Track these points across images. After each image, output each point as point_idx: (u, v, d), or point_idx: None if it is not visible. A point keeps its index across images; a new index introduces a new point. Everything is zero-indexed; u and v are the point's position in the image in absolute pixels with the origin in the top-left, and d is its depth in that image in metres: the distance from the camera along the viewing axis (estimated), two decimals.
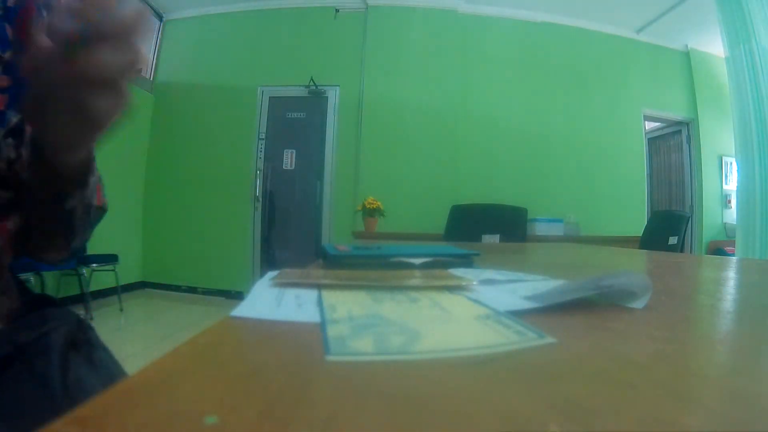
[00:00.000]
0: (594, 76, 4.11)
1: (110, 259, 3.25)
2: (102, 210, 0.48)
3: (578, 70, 4.09)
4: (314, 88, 3.90)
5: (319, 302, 0.25)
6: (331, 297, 0.26)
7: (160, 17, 4.24)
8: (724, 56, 3.30)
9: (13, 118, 0.43)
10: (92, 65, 0.27)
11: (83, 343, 0.41)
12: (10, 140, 0.42)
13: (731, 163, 4.15)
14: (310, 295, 0.27)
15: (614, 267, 0.65)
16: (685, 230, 2.86)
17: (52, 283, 3.06)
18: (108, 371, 0.41)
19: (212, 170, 4.01)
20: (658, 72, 4.27)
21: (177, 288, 4.00)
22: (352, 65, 3.91)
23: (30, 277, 2.56)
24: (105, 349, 0.43)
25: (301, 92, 3.96)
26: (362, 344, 0.17)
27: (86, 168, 0.39)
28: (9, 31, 0.42)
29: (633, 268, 0.61)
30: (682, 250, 2.94)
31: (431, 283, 0.31)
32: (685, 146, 4.47)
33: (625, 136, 4.13)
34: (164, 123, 4.17)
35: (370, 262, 0.47)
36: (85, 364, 0.39)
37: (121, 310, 3.22)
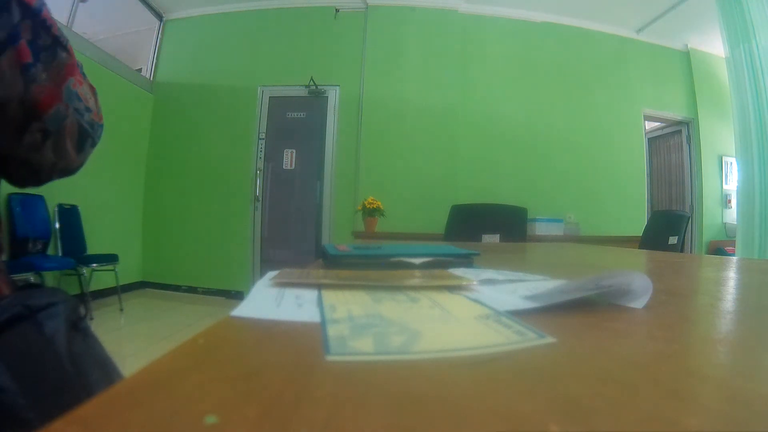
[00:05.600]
0: (594, 76, 4.12)
1: (110, 258, 3.25)
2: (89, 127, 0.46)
3: (578, 70, 4.09)
4: (314, 88, 3.90)
5: (319, 302, 0.25)
6: (331, 297, 0.26)
7: (160, 17, 4.24)
8: (724, 56, 3.30)
9: None
10: None
11: (81, 328, 0.42)
12: None
13: (731, 163, 4.16)
14: (310, 295, 0.27)
15: (614, 267, 0.65)
16: (685, 230, 2.85)
17: (52, 282, 3.06)
18: (100, 358, 0.42)
19: (212, 170, 4.01)
20: (658, 72, 4.27)
21: (177, 288, 4.00)
22: (352, 65, 3.91)
23: (30, 277, 2.56)
24: (97, 340, 0.44)
25: (301, 92, 3.96)
26: (362, 344, 0.17)
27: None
28: None
29: (633, 268, 0.61)
30: (682, 250, 2.94)
31: (431, 283, 0.31)
32: (685, 146, 4.47)
33: (625, 136, 4.13)
34: (164, 123, 4.17)
35: (370, 262, 0.47)
36: (83, 345, 0.40)
37: (121, 310, 3.22)
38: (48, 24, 0.37)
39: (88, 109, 0.45)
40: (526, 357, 0.16)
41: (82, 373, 0.37)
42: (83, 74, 0.46)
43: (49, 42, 0.38)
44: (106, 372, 0.40)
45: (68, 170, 0.47)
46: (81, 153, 0.46)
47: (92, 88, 0.48)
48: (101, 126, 0.48)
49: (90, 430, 0.10)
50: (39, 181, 0.47)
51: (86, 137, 0.45)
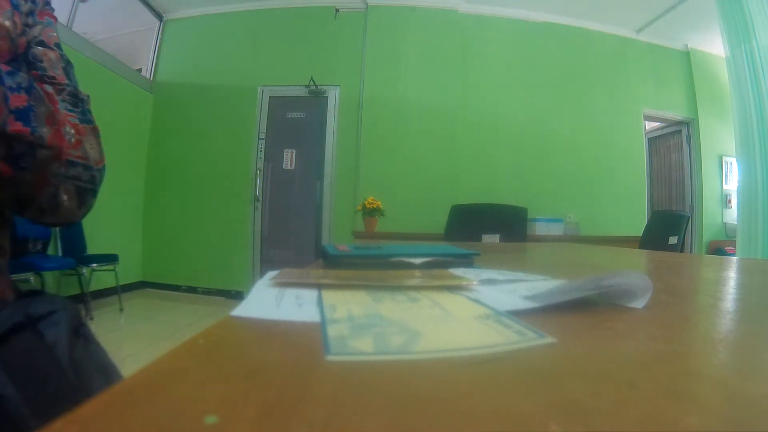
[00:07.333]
0: (594, 76, 4.11)
1: (110, 258, 3.25)
2: (93, 170, 0.47)
3: (578, 70, 4.09)
4: (314, 88, 3.90)
5: (319, 302, 0.25)
6: (331, 297, 0.26)
7: (160, 17, 4.24)
8: (724, 56, 3.30)
9: None
10: None
11: (82, 334, 0.42)
12: None
13: (731, 163, 4.16)
14: (310, 295, 0.27)
15: (614, 267, 0.65)
16: (685, 230, 2.85)
17: (52, 282, 3.06)
18: (102, 363, 0.42)
19: (212, 170, 4.01)
20: (658, 72, 4.27)
21: (177, 288, 4.00)
22: (352, 65, 3.91)
23: (30, 277, 2.56)
24: (98, 344, 0.44)
25: (301, 92, 3.96)
26: (362, 344, 0.17)
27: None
28: None
29: (633, 268, 0.61)
30: (682, 250, 2.94)
31: (431, 283, 0.31)
32: (685, 146, 4.47)
33: (625, 136, 4.13)
34: (164, 123, 4.17)
35: (370, 262, 0.47)
36: (84, 351, 0.41)
37: (121, 310, 3.22)
38: (15, 135, 0.38)
39: (87, 168, 0.46)
40: (526, 357, 0.16)
41: (84, 380, 0.37)
42: (87, 111, 0.48)
43: (25, 149, 0.39)
44: (108, 377, 0.41)
45: (72, 222, 0.50)
46: (83, 207, 0.48)
47: (95, 130, 0.48)
48: (103, 168, 0.50)
49: (90, 430, 0.10)
50: (49, 228, 0.50)
51: (86, 193, 0.48)
